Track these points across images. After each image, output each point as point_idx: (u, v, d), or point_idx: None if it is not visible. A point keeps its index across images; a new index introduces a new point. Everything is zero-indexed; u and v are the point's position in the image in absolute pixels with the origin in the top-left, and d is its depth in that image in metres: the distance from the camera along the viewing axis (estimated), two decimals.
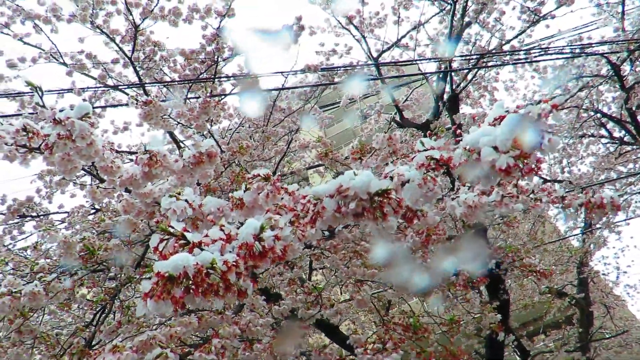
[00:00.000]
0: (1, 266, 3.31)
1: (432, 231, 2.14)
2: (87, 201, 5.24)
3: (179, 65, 5.79)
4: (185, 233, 0.88)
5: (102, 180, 2.12)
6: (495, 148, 1.03)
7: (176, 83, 5.62)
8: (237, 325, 1.90)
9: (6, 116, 4.45)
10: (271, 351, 1.85)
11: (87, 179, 5.31)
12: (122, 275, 2.49)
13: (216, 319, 2.11)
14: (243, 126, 6.43)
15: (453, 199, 1.73)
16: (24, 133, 1.63)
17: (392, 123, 7.01)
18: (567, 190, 4.02)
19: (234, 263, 0.81)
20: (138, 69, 5.58)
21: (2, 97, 5.27)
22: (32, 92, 4.55)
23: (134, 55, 5.43)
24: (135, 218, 2.48)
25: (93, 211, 3.62)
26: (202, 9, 4.65)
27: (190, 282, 0.77)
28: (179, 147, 4.77)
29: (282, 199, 1.37)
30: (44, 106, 1.47)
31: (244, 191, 1.39)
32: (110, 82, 5.90)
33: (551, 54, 6.54)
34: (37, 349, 2.84)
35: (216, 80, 5.60)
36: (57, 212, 5.55)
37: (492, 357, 5.15)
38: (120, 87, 5.82)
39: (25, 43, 5.37)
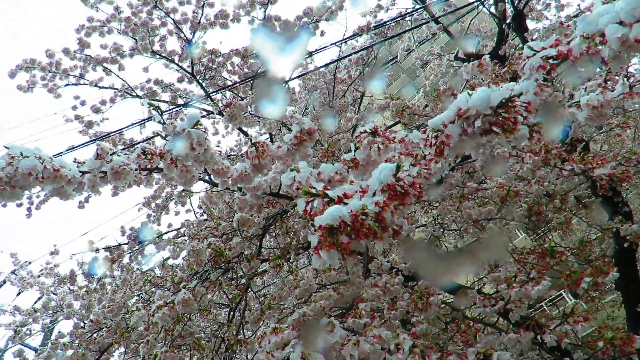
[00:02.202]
0: (145, 284, 3.66)
1: (550, 147, 2.02)
2: (185, 221, 5.62)
3: (237, 66, 5.95)
4: (326, 191, 0.91)
5: (214, 185, 2.25)
6: (621, 23, 0.95)
7: (239, 84, 5.78)
8: (378, 287, 1.95)
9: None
10: (415, 305, 1.88)
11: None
12: (252, 268, 2.65)
13: (352, 287, 2.19)
14: (307, 108, 6.50)
15: (569, 105, 1.61)
16: (144, 156, 1.78)
17: (456, 62, 6.70)
18: None
19: (385, 202, 0.83)
20: (201, 80, 5.83)
21: (96, 140, 5.76)
22: (118, 131, 4.88)
23: (195, 69, 5.66)
24: (249, 214, 2.62)
25: (204, 219, 3.88)
26: (246, 3, 4.70)
27: (350, 228, 0.80)
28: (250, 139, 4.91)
29: (394, 149, 1.37)
30: (164, 123, 1.59)
31: (355, 151, 1.40)
32: (179, 99, 6.24)
33: None
34: (191, 352, 3.12)
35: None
36: (168, 231, 6.02)
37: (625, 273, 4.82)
38: (190, 103, 6.13)
39: (100, 87, 5.82)
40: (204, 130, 1.62)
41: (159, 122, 1.63)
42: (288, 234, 2.84)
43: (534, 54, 1.14)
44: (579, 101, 1.68)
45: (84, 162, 1.69)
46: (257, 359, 1.46)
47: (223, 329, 3.89)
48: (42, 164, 1.34)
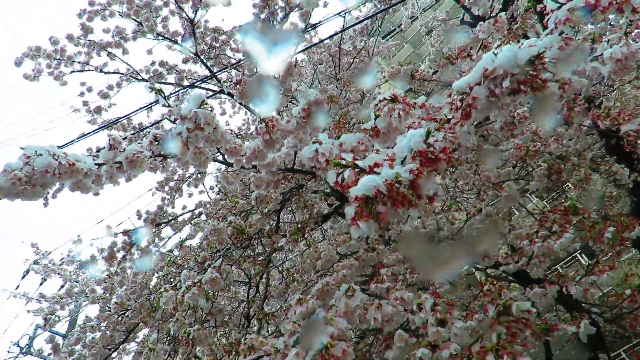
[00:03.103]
0: (169, 264, 3.73)
1: (571, 104, 1.98)
2: (200, 202, 5.66)
3: (240, 44, 5.88)
4: (356, 162, 0.91)
5: (229, 164, 2.25)
6: None
7: (243, 62, 5.73)
8: (398, 252, 1.96)
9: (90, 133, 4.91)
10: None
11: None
12: (272, 243, 2.68)
13: (372, 255, 2.20)
14: (313, 83, 6.43)
15: (592, 60, 1.57)
16: (156, 142, 1.78)
17: (463, 26, 6.55)
18: None
19: (418, 169, 0.82)
20: (205, 60, 5.78)
21: (105, 127, 5.78)
22: (127, 116, 4.90)
23: (199, 49, 5.61)
24: (265, 190, 2.63)
25: (220, 198, 3.90)
26: None
27: (385, 198, 0.80)
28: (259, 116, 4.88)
29: (415, 115, 1.35)
30: (169, 106, 1.58)
31: (375, 119, 1.39)
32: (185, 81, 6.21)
33: None
34: (216, 327, 3.18)
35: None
36: (183, 213, 6.08)
37: None
38: (196, 84, 6.09)
39: (105, 73, 5.80)
40: (210, 109, 1.61)
41: (164, 105, 1.62)
42: (306, 207, 2.85)
43: (560, 7, 1.10)
44: (601, 54, 1.64)
45: (98, 153, 1.71)
46: (284, 328, 1.49)
47: (243, 305, 3.97)
48: (56, 160, 1.35)
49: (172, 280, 3.56)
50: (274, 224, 3.00)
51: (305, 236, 2.95)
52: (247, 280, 3.93)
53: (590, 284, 1.87)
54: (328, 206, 3.56)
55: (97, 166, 1.54)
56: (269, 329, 2.54)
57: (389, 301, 1.44)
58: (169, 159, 1.90)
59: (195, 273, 2.49)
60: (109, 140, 1.53)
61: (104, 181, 1.59)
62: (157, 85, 5.88)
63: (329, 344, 1.07)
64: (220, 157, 2.37)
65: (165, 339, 3.10)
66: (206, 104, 1.71)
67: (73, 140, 5.25)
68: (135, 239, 5.63)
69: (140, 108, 6.19)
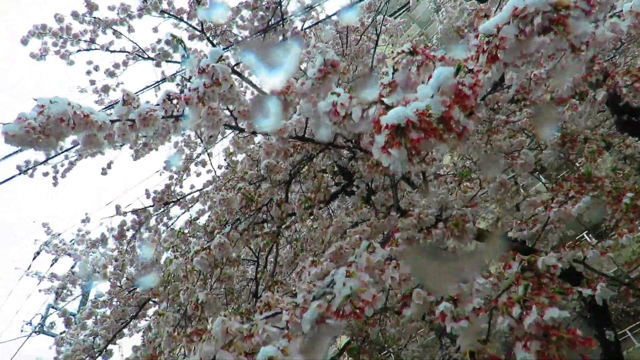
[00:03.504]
0: (180, 235, 3.75)
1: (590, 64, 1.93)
2: (209, 180, 5.66)
3: (246, 21, 5.81)
4: (383, 99, 0.88)
5: (241, 130, 2.23)
6: None
7: (250, 37, 5.67)
8: (413, 217, 1.94)
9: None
10: (452, 232, 1.88)
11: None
12: (282, 213, 2.67)
13: (384, 222, 2.19)
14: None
15: (610, 16, 1.53)
16: (169, 101, 1.76)
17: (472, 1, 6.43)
18: None
19: (451, 100, 0.80)
20: (211, 38, 5.72)
21: (111, 107, 5.76)
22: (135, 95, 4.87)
23: (205, 26, 5.55)
24: (275, 159, 2.61)
25: (228, 172, 3.90)
26: None
27: (415, 129, 0.78)
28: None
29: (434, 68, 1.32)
30: (188, 56, 1.56)
31: (393, 73, 1.36)
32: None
33: None
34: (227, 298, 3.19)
35: (288, 19, 5.56)
36: (192, 192, 6.09)
37: None
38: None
39: (112, 51, 5.77)
40: (227, 64, 1.58)
41: (183, 56, 1.60)
42: (315, 178, 2.83)
43: None
44: (620, 10, 1.59)
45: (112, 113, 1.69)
46: (299, 288, 1.47)
47: (252, 283, 3.99)
48: (72, 109, 1.33)
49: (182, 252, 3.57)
50: (283, 196, 2.99)
51: (314, 214, 2.94)
52: (255, 259, 3.95)
53: (608, 247, 1.85)
54: (336, 185, 3.54)
55: (110, 123, 1.52)
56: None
57: (406, 261, 1.43)
58: (180, 122, 1.89)
59: (205, 241, 2.49)
60: (123, 95, 1.51)
61: (116, 139, 1.58)
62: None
63: (359, 290, 1.06)
64: (231, 124, 2.35)
65: (176, 309, 3.12)
66: (224, 59, 1.68)
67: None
68: (143, 217, 5.64)
69: (148, 87, 6.18)
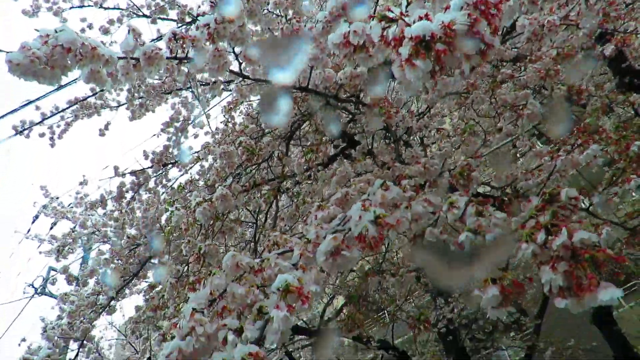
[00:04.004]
0: (180, 191, 3.74)
1: (607, 10, 1.89)
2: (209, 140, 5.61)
3: None
4: (403, 17, 0.85)
5: (245, 77, 2.19)
6: None
7: None
8: (420, 165, 1.94)
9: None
10: (457, 181, 1.88)
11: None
12: (283, 167, 2.66)
13: (388, 172, 2.18)
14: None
15: None
16: (175, 40, 1.71)
17: None
18: None
19: (479, 13, 0.77)
20: None
21: None
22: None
23: None
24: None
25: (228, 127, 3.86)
26: None
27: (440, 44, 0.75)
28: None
29: None
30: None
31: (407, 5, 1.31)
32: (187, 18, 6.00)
33: None
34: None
35: None
36: (190, 154, 6.05)
37: None
38: (198, 18, 5.88)
39: (105, 8, 5.61)
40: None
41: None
42: (317, 131, 2.80)
43: None
44: None
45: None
46: (306, 230, 1.47)
47: (250, 245, 4.01)
48: (80, 40, 1.29)
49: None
50: (284, 150, 2.97)
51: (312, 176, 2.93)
52: (254, 221, 3.97)
53: (614, 193, 1.85)
54: (334, 148, 3.52)
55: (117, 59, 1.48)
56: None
57: (418, 201, 1.42)
58: (184, 66, 1.84)
59: (207, 194, 2.48)
60: (129, 29, 1.46)
61: (120, 77, 1.54)
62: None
63: (382, 214, 1.05)
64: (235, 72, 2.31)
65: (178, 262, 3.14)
66: None
67: (76, 79, 5.14)
68: (142, 179, 5.61)
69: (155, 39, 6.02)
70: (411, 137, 3.18)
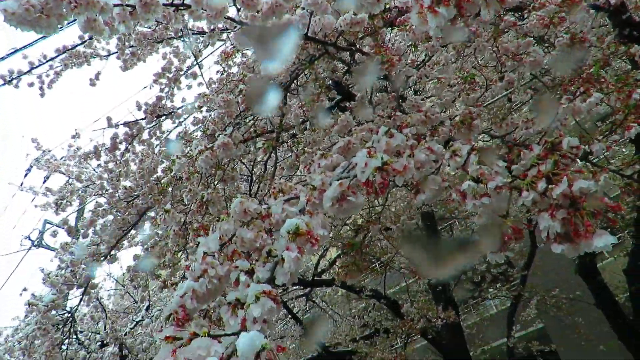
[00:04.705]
0: (180, 140, 3.73)
1: None
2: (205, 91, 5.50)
3: None
4: None
5: (243, 24, 2.13)
6: None
7: None
8: (421, 113, 1.93)
9: None
10: (458, 129, 1.88)
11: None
12: (282, 117, 2.64)
13: (389, 122, 2.17)
14: None
15: None
16: None
17: None
18: None
19: None
20: None
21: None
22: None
23: None
24: None
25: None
26: None
27: None
28: None
29: None
30: None
31: None
32: None
33: None
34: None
35: None
36: (183, 105, 5.95)
37: None
38: None
39: None
40: None
41: None
42: (317, 80, 2.76)
43: None
44: None
45: None
46: (310, 178, 1.48)
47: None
48: None
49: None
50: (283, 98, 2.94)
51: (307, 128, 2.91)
52: (249, 174, 3.97)
53: (614, 141, 1.87)
54: (329, 100, 3.47)
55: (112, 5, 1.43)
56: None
57: (421, 149, 1.42)
58: (181, 12, 1.78)
59: (207, 143, 2.47)
60: None
61: (116, 25, 1.49)
62: None
63: (389, 161, 1.06)
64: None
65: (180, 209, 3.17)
66: None
67: (70, 22, 4.95)
68: (135, 130, 5.55)
69: None
70: (406, 90, 3.15)
